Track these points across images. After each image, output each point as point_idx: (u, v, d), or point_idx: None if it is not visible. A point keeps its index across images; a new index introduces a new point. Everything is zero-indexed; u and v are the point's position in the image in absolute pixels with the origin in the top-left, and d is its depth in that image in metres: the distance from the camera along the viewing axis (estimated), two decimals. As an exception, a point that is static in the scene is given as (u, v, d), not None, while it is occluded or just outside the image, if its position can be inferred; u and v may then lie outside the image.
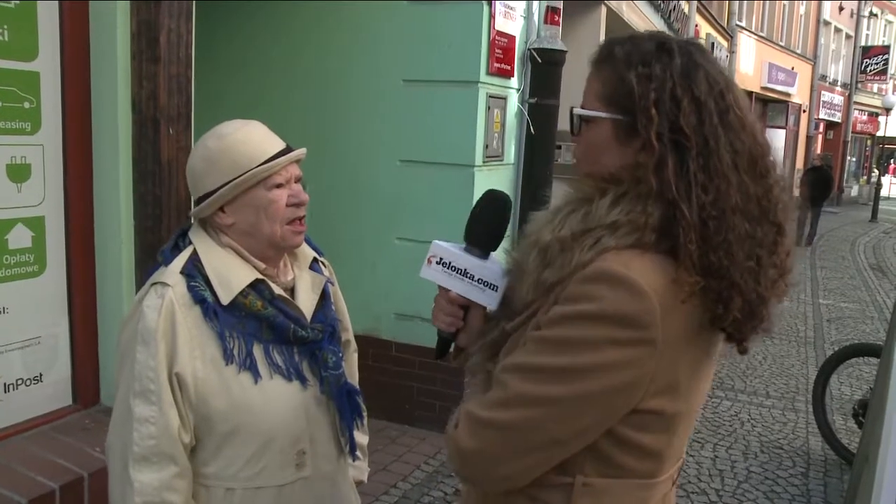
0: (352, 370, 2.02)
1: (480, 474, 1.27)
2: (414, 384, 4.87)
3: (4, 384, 2.64)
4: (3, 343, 2.63)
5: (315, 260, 1.84)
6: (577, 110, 1.35)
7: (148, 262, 2.58)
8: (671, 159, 1.20)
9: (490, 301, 1.45)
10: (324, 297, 1.79)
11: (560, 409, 1.19)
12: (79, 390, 2.87)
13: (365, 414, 1.99)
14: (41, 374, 2.76)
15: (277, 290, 1.67)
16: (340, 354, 1.77)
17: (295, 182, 1.67)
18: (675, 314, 1.19)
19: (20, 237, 2.63)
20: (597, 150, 1.32)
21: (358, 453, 1.95)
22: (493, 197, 1.52)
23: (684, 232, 1.18)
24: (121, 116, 2.73)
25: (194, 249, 1.64)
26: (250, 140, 1.62)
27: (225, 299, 1.59)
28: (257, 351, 1.62)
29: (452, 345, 1.54)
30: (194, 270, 1.60)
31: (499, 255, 1.50)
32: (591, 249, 1.22)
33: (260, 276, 1.65)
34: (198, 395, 1.56)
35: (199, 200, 1.64)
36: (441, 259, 1.46)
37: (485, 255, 1.47)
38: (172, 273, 1.60)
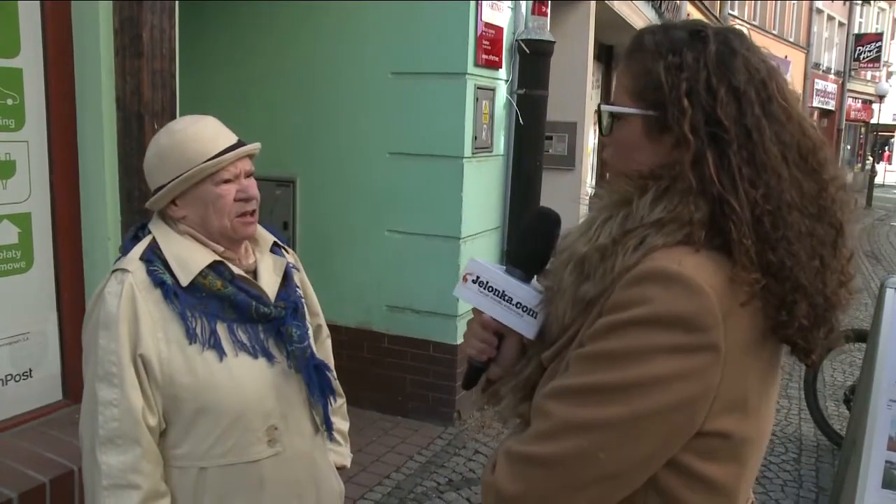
0: (326, 355, 2.05)
1: None
2: (407, 376, 4.90)
3: (-6, 380, 2.66)
4: (-8, 339, 2.64)
5: (276, 244, 1.88)
6: (605, 107, 1.23)
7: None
8: (710, 153, 1.09)
9: (528, 329, 1.29)
10: (286, 278, 1.83)
11: (614, 433, 1.03)
12: (68, 385, 2.88)
13: (343, 399, 2.02)
14: (30, 370, 2.77)
15: (237, 271, 1.71)
16: (306, 329, 1.80)
17: (245, 177, 1.72)
18: (737, 317, 1.06)
19: (6, 233, 2.64)
20: (628, 149, 1.21)
21: (339, 438, 1.99)
22: (542, 214, 1.38)
23: (736, 227, 1.07)
24: (105, 112, 2.74)
25: (153, 237, 1.69)
26: (199, 136, 1.67)
27: (184, 281, 1.63)
28: (221, 329, 1.66)
29: (484, 375, 1.38)
30: (153, 256, 1.65)
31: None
32: (637, 250, 1.09)
33: (218, 259, 1.69)
34: (164, 375, 1.60)
35: (154, 194, 1.70)
36: (478, 277, 1.31)
37: (527, 277, 1.32)
38: (132, 260, 1.65)
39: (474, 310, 1.34)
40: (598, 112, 1.25)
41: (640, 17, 8.54)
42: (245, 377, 1.66)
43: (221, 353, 1.64)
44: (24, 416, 2.74)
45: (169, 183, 1.65)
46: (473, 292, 1.31)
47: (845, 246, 1.16)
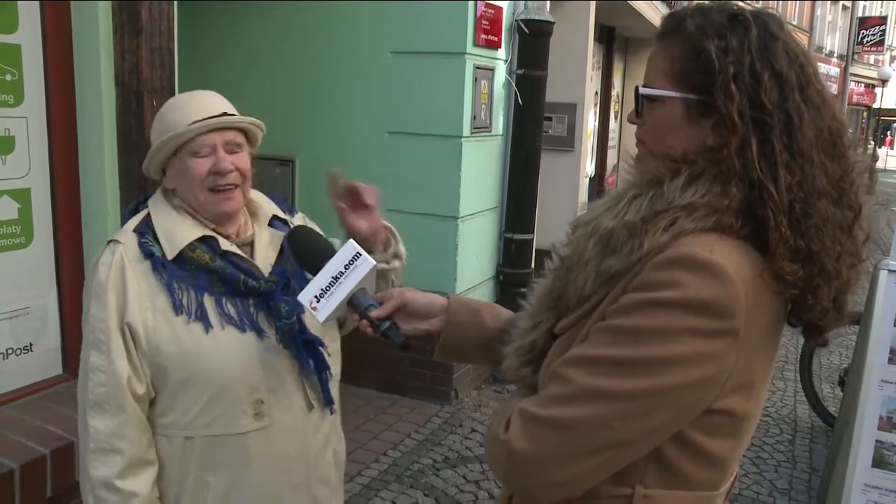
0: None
1: (534, 481, 1.13)
2: (404, 354, 4.91)
3: (-6, 354, 2.69)
4: (-8, 313, 2.67)
5: (276, 217, 1.87)
6: (644, 90, 1.23)
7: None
8: (754, 138, 1.11)
9: (367, 264, 1.49)
10: (282, 252, 1.82)
11: (631, 404, 1.08)
12: (68, 360, 2.91)
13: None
14: (31, 344, 2.80)
15: (226, 246, 1.72)
16: (297, 304, 1.73)
17: (229, 151, 1.69)
18: (759, 304, 1.10)
19: (6, 209, 2.65)
20: (663, 131, 1.21)
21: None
22: (298, 234, 1.66)
23: (774, 214, 1.10)
24: (104, 89, 2.74)
25: (149, 211, 1.72)
26: (181, 105, 1.68)
27: (170, 254, 1.66)
28: (208, 302, 1.67)
29: (398, 332, 1.55)
30: (146, 228, 1.68)
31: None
32: (666, 232, 1.12)
33: (209, 233, 1.70)
34: (150, 344, 1.62)
35: None
36: (316, 296, 1.49)
37: (322, 264, 1.51)
38: (125, 231, 1.69)
39: (356, 313, 1.52)
40: (635, 93, 1.25)
41: (642, -2, 8.50)
42: (231, 350, 1.67)
43: (207, 326, 1.65)
44: (24, 389, 2.77)
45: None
46: (328, 305, 1.48)
47: (861, 229, 1.20)
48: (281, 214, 1.89)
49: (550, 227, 6.38)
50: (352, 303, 1.51)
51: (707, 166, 1.14)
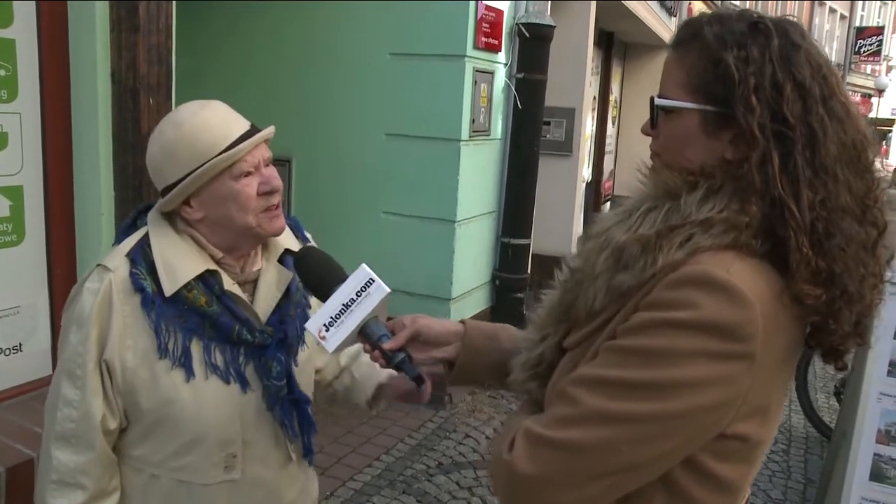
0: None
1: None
2: (399, 358, 4.89)
3: (-17, 353, 2.65)
4: (-18, 312, 2.63)
5: (287, 252, 1.68)
6: (659, 101, 1.18)
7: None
8: (776, 153, 1.06)
9: (381, 291, 1.40)
10: (287, 294, 1.65)
11: (641, 429, 1.03)
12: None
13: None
14: (20, 344, 2.76)
15: (228, 286, 1.56)
16: (289, 362, 1.63)
17: (265, 166, 1.54)
18: (777, 328, 1.05)
19: (-2, 206, 2.62)
20: (680, 144, 1.16)
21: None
22: (306, 256, 1.55)
23: (795, 234, 1.05)
24: (100, 86, 2.71)
25: (147, 232, 1.55)
26: (209, 125, 1.48)
27: (168, 290, 1.49)
28: (195, 348, 1.52)
29: (411, 364, 1.45)
30: (140, 256, 1.51)
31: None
32: (682, 248, 1.07)
33: (213, 268, 1.54)
34: (125, 384, 1.50)
35: (164, 192, 1.53)
36: (326, 324, 1.39)
37: (332, 289, 1.42)
38: (118, 255, 1.52)
39: (363, 343, 1.43)
40: (651, 104, 1.20)
41: (641, 4, 8.49)
42: (211, 402, 1.54)
43: (190, 374, 1.51)
44: (13, 390, 2.73)
45: (179, 182, 1.48)
46: (337, 334, 1.39)
47: (884, 247, 1.14)
48: (294, 247, 1.70)
49: (547, 232, 6.38)
50: (363, 332, 1.42)
51: (726, 181, 1.09)
